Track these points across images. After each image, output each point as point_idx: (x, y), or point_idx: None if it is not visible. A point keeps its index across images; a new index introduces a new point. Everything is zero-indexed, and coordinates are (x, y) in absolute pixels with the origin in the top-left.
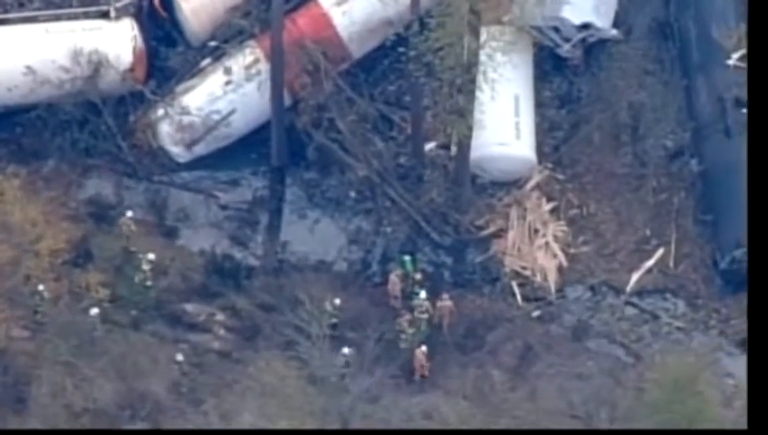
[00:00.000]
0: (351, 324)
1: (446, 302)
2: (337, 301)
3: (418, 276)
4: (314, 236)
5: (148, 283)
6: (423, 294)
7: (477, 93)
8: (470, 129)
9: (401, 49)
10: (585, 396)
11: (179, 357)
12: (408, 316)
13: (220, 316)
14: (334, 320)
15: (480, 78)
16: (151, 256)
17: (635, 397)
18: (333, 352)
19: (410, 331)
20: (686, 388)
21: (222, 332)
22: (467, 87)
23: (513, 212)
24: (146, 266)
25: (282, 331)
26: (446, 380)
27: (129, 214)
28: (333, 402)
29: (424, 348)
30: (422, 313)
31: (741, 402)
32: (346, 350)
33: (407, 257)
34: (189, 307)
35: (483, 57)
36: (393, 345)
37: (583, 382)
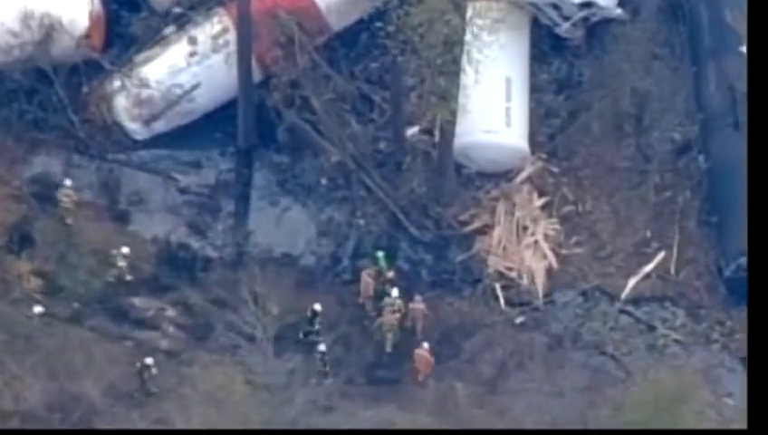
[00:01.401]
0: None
1: (418, 304)
2: (317, 307)
3: (391, 274)
4: (281, 226)
5: (128, 277)
6: (395, 292)
7: (462, 75)
8: (453, 113)
9: (380, 23)
10: (558, 415)
11: (148, 361)
12: (391, 314)
13: (170, 312)
14: (313, 327)
15: (465, 58)
16: (126, 249)
17: (612, 417)
18: (280, 358)
19: (386, 329)
20: (670, 409)
21: (171, 329)
22: (449, 68)
23: (501, 207)
24: (121, 262)
25: (238, 330)
26: (412, 390)
27: (68, 183)
28: (278, 414)
29: (426, 346)
30: (393, 313)
31: (740, 425)
32: (323, 347)
33: (380, 253)
34: (137, 301)
35: (468, 36)
36: (358, 348)
37: (561, 400)
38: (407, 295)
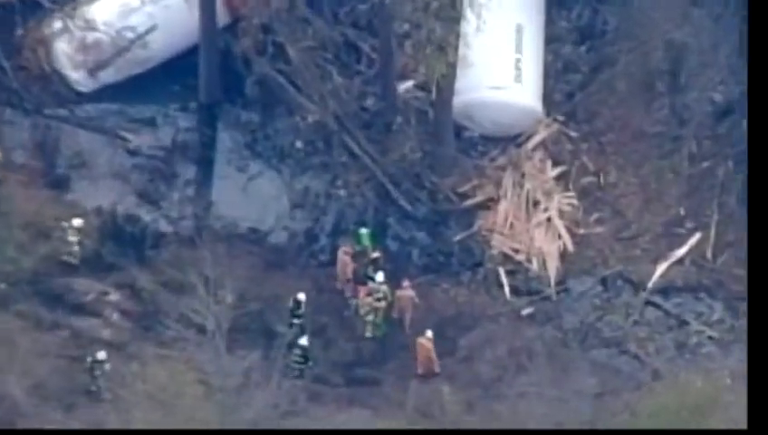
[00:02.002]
0: (284, 315)
1: (406, 291)
2: (301, 296)
3: (376, 254)
4: (248, 196)
5: (73, 260)
6: (380, 276)
7: (464, 22)
8: (453, 66)
9: None
10: (564, 424)
11: (101, 355)
12: (368, 295)
13: (114, 296)
14: (298, 320)
15: (467, 1)
16: (78, 221)
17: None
18: (235, 354)
19: (365, 312)
20: (699, 419)
21: (115, 317)
22: (448, 12)
23: (508, 177)
24: (72, 237)
25: (192, 320)
26: (393, 393)
27: None
28: (232, 419)
29: (429, 334)
30: (378, 300)
31: None
32: (304, 340)
33: (364, 230)
34: (75, 283)
35: None
36: (334, 342)
37: (569, 406)
38: (393, 281)
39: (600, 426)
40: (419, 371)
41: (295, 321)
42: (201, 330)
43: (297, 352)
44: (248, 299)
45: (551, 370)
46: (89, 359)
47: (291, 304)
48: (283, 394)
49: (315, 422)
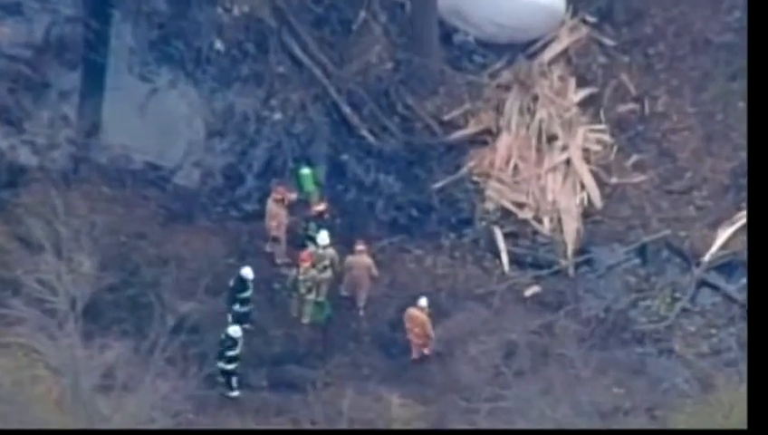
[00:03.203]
0: (186, 290)
1: (361, 257)
2: (247, 272)
3: (322, 206)
4: (149, 117)
5: None
6: (323, 236)
7: None
8: None
9: None
10: None
11: None
12: (310, 264)
13: None
14: (242, 307)
15: None
16: None
17: None
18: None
19: (309, 296)
20: None
21: None
22: None
23: (514, 101)
24: None
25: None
26: (333, 400)
27: None
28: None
29: (424, 302)
30: (321, 271)
31: None
32: (236, 329)
33: (306, 170)
34: None
35: None
36: (259, 328)
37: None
38: (344, 242)
39: None
40: (414, 355)
41: (237, 308)
42: (49, 309)
43: (224, 349)
44: (134, 265)
45: (559, 372)
46: None
47: (232, 283)
48: (161, 401)
49: None
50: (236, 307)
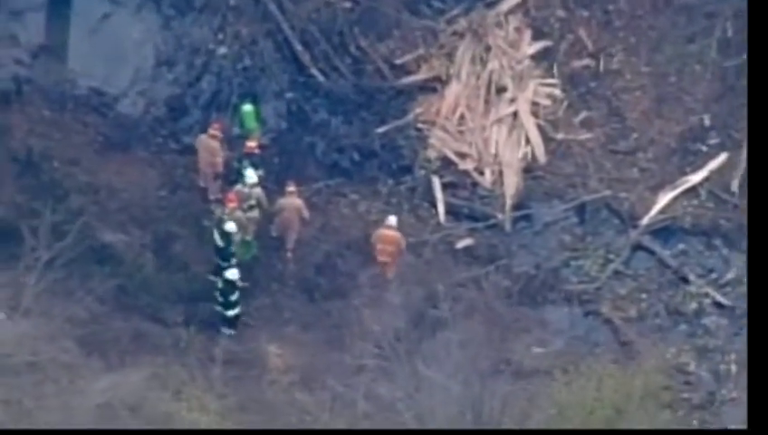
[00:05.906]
0: (113, 220)
1: (291, 198)
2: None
3: (254, 143)
4: (96, 42)
5: None
6: (251, 174)
7: None
8: None
9: None
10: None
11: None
12: (233, 200)
13: None
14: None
15: None
16: None
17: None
18: None
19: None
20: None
21: None
22: None
23: (466, 49)
24: None
25: None
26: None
27: None
28: None
29: (393, 220)
30: (248, 208)
31: None
32: (233, 272)
33: (249, 107)
34: None
35: None
36: (178, 264)
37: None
38: (276, 183)
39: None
40: (388, 275)
41: (222, 263)
42: None
43: (224, 293)
44: (64, 192)
45: (482, 331)
46: None
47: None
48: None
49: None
50: (221, 263)
